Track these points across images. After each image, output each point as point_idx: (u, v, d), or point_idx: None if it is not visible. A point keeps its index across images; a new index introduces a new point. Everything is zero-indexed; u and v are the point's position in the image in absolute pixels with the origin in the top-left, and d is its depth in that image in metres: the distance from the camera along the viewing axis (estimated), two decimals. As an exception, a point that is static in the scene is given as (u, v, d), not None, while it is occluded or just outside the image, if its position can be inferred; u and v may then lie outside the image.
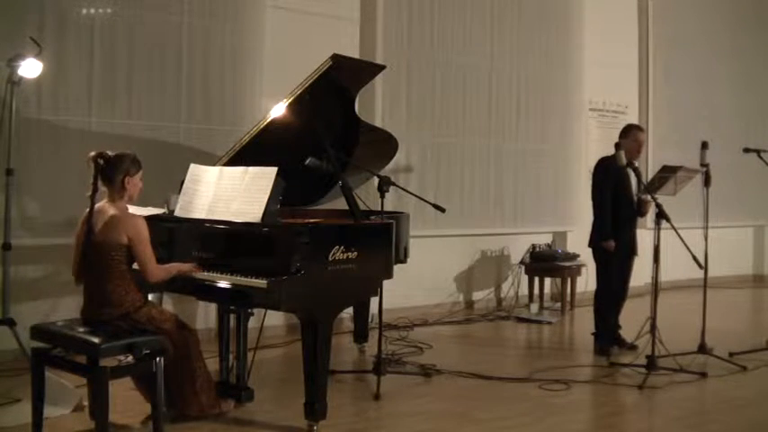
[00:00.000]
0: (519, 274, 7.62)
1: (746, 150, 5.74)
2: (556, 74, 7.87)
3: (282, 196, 3.89)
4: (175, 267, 3.75)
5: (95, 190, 3.53)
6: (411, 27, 6.88)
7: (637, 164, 5.55)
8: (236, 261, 3.77)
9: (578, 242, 7.04)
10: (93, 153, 3.56)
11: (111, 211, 3.56)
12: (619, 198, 5.39)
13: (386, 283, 4.16)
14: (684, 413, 4.22)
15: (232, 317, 4.29)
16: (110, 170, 3.57)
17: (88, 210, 3.53)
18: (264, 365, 4.91)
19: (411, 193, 5.10)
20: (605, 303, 5.56)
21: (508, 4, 7.53)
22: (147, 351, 3.40)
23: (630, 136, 5.48)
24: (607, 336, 5.54)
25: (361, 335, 5.56)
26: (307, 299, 3.59)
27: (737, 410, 4.28)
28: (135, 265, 3.61)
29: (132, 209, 3.73)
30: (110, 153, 3.59)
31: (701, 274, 5.14)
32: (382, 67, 5.04)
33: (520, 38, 7.62)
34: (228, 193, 3.97)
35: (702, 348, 5.30)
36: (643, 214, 5.53)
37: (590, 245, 5.59)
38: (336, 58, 4.23)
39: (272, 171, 3.85)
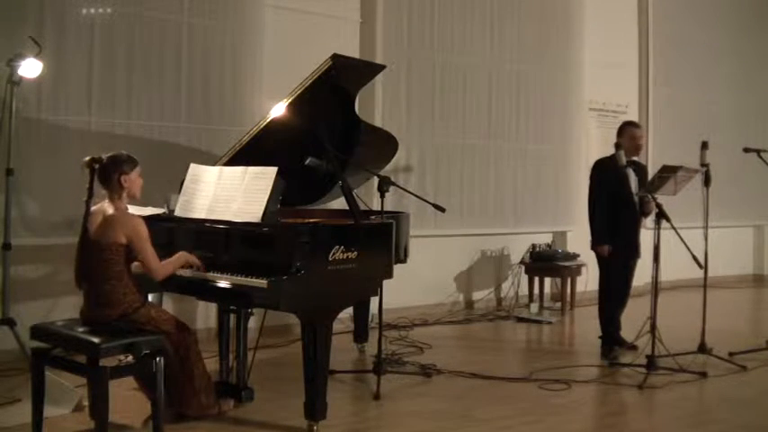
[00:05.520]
0: (519, 274, 7.62)
1: (746, 150, 5.74)
2: (556, 74, 7.87)
3: (282, 196, 3.89)
4: (182, 258, 3.74)
5: (91, 195, 3.54)
6: (411, 27, 6.88)
7: (637, 159, 5.55)
8: (236, 261, 3.77)
9: (578, 242, 7.05)
10: (86, 158, 3.56)
11: (110, 210, 3.56)
12: (618, 199, 5.36)
13: (386, 283, 4.16)
14: (684, 413, 4.22)
15: (232, 317, 4.29)
16: (105, 172, 3.58)
17: (84, 214, 3.54)
18: (264, 365, 4.91)
19: (411, 193, 5.10)
20: (608, 305, 5.54)
21: (508, 4, 7.53)
22: (147, 351, 3.40)
23: (626, 134, 5.47)
24: (611, 338, 5.52)
25: (361, 335, 5.55)
26: (307, 299, 3.59)
27: (737, 410, 4.28)
28: (134, 266, 3.62)
29: (132, 209, 3.73)
30: (103, 156, 3.60)
31: (700, 274, 5.15)
32: (382, 67, 5.04)
33: (520, 38, 7.62)
34: (228, 193, 3.97)
35: (702, 348, 5.30)
36: (646, 214, 5.49)
37: (591, 248, 5.58)
38: (336, 58, 4.23)
39: (271, 171, 3.85)
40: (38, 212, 5.01)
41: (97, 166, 3.56)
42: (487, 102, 7.43)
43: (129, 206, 3.70)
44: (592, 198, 5.54)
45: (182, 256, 3.76)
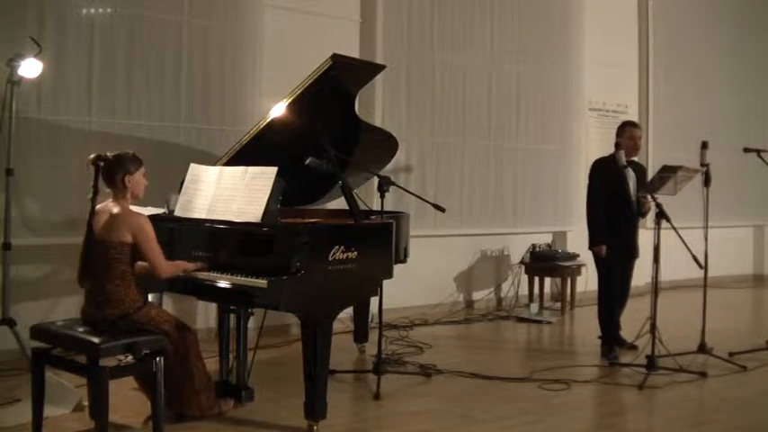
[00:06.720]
0: (519, 274, 7.62)
1: (746, 150, 5.74)
2: (556, 74, 7.86)
3: (282, 196, 3.89)
4: (183, 265, 3.75)
5: (96, 192, 3.54)
6: (411, 27, 6.88)
7: (636, 159, 5.55)
8: (236, 261, 3.77)
9: (578, 242, 7.05)
10: (92, 156, 3.56)
11: (114, 210, 3.56)
12: (616, 199, 5.35)
13: (386, 283, 4.16)
14: (684, 413, 4.22)
15: (232, 317, 4.29)
16: (109, 171, 3.57)
17: (89, 212, 3.54)
18: (264, 365, 4.91)
19: (411, 193, 5.10)
20: (607, 306, 5.53)
21: (508, 5, 7.53)
22: (147, 351, 3.40)
23: (626, 134, 5.46)
24: (610, 338, 5.51)
25: (361, 335, 5.55)
26: (307, 299, 3.59)
27: (737, 410, 4.28)
28: (138, 266, 3.62)
29: (132, 208, 3.73)
30: (109, 154, 3.59)
31: (700, 274, 5.15)
32: (382, 67, 5.03)
33: (520, 38, 7.62)
34: (228, 193, 3.97)
35: (702, 348, 5.29)
36: (644, 214, 5.50)
37: (589, 247, 5.57)
38: (336, 58, 4.23)
39: (272, 171, 3.86)
40: (38, 212, 5.02)
41: (102, 163, 3.56)
42: (487, 102, 7.43)
43: (130, 206, 3.70)
44: (590, 197, 5.53)
45: (183, 264, 3.76)
